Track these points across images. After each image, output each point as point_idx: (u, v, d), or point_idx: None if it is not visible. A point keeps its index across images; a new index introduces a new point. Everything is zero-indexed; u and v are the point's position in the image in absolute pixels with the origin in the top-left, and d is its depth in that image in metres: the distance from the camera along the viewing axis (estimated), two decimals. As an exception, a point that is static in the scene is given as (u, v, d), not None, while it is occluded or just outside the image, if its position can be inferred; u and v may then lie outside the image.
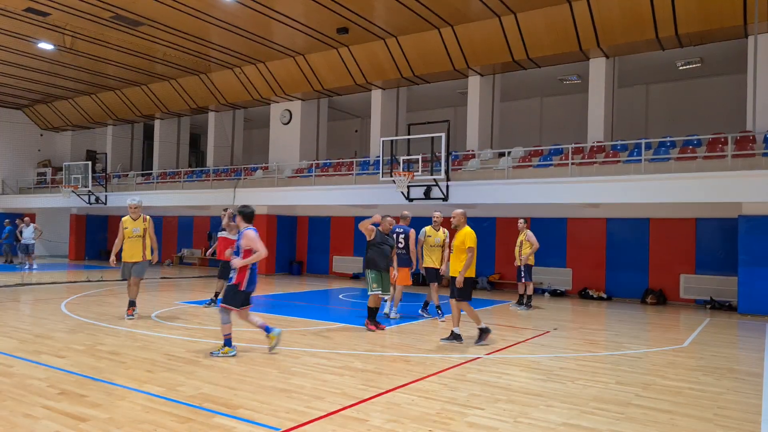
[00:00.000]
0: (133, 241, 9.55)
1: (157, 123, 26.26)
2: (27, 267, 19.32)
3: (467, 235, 7.85)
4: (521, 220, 12.80)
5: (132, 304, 9.67)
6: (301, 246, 21.30)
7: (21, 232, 19.62)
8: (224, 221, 10.90)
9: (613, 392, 5.68)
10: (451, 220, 8.23)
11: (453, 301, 8.03)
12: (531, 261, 12.20)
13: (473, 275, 7.93)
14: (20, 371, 5.92)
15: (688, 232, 14.35)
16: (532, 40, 15.55)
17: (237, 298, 6.85)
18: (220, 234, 10.98)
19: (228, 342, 6.86)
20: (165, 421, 4.47)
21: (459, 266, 7.83)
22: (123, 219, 9.67)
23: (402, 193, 15.78)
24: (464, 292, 7.87)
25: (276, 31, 17.10)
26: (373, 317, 9.06)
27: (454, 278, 7.91)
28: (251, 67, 20.52)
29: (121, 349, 7.12)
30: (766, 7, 12.86)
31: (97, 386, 5.41)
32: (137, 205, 9.65)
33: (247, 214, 7.02)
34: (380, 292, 9.04)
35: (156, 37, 17.71)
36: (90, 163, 23.76)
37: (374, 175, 17.09)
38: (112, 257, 9.64)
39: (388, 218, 9.32)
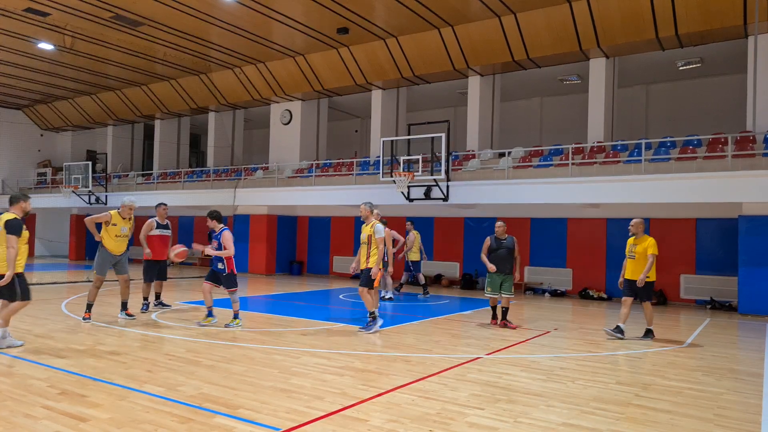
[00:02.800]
0: (122, 241, 9.25)
1: (157, 123, 26.26)
2: None
3: (651, 243, 8.76)
4: (408, 222, 14.34)
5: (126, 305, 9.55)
6: (302, 246, 21.30)
7: None
8: (160, 218, 10.34)
9: (613, 392, 5.68)
10: (630, 228, 9.01)
11: (628, 300, 8.90)
12: (416, 258, 13.94)
13: (654, 278, 8.83)
14: (20, 371, 5.92)
15: (688, 232, 14.35)
16: (532, 40, 15.55)
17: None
18: (158, 232, 10.22)
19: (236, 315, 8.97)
20: (165, 421, 4.48)
21: (641, 271, 8.69)
22: (111, 213, 9.21)
23: (402, 193, 15.78)
24: (649, 292, 8.84)
25: (276, 31, 17.10)
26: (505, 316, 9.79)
27: (633, 281, 8.78)
28: (251, 67, 20.53)
29: (121, 349, 7.12)
30: (766, 7, 12.86)
31: (97, 386, 5.42)
32: (135, 206, 9.39)
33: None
34: (491, 294, 9.75)
35: (156, 37, 17.71)
36: (90, 163, 23.77)
37: (374, 175, 17.09)
38: (94, 231, 9.17)
39: (499, 223, 9.91)
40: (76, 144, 29.68)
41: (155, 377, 5.79)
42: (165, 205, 10.70)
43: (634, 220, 9.02)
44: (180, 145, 27.22)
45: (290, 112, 21.77)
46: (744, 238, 12.48)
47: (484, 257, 9.68)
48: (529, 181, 14.49)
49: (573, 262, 15.83)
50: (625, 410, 5.09)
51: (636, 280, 8.72)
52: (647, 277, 8.63)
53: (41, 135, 29.39)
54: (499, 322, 9.70)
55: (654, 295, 14.24)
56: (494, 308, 9.92)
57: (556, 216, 15.91)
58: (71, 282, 15.83)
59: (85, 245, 26.92)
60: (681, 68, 17.02)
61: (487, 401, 5.24)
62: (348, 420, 4.62)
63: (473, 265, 17.27)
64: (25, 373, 5.86)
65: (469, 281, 16.95)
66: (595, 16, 14.43)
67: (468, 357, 7.15)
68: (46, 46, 18.63)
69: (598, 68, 15.99)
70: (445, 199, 15.40)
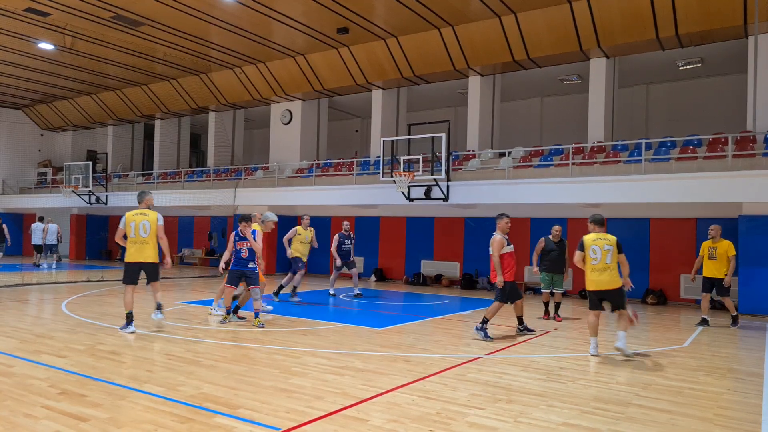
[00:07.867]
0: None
1: (157, 123, 26.26)
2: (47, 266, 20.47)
3: (730, 245, 10.00)
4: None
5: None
6: (302, 246, 21.23)
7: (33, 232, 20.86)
8: (502, 230, 8.67)
9: (613, 392, 5.68)
10: (710, 232, 10.10)
11: (707, 295, 10.27)
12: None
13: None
14: (21, 371, 5.92)
15: (688, 232, 14.34)
16: (532, 40, 15.55)
17: None
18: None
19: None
20: (165, 421, 4.48)
21: (724, 271, 9.92)
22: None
23: (402, 193, 15.79)
24: (728, 289, 10.05)
25: (276, 31, 17.10)
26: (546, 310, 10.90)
27: (713, 279, 10.05)
28: (251, 67, 20.53)
29: (121, 349, 7.12)
30: (766, 7, 12.86)
31: (97, 386, 5.42)
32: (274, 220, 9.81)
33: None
34: (547, 290, 10.73)
35: (156, 37, 17.72)
36: (90, 163, 23.78)
37: (375, 175, 17.09)
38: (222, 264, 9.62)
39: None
40: (76, 144, 29.68)
41: (155, 377, 5.79)
42: (507, 216, 8.76)
43: (713, 225, 10.12)
44: (180, 144, 27.22)
45: (290, 112, 21.77)
46: (744, 238, 12.47)
47: (535, 257, 10.69)
48: (530, 181, 14.49)
49: (573, 263, 15.78)
50: (625, 410, 5.09)
51: (716, 278, 9.97)
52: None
53: (41, 135, 29.39)
54: (552, 315, 10.68)
55: (654, 294, 14.31)
56: (546, 304, 10.82)
57: (556, 216, 15.87)
58: (71, 282, 15.84)
59: (85, 245, 26.92)
60: (681, 68, 17.02)
61: (487, 401, 5.24)
62: (348, 420, 4.62)
63: (473, 265, 17.27)
64: (25, 373, 5.86)
65: (470, 281, 16.94)
66: (596, 16, 14.43)
67: (468, 357, 7.15)
68: (46, 46, 18.63)
69: (598, 68, 15.99)
70: (445, 199, 15.40)
